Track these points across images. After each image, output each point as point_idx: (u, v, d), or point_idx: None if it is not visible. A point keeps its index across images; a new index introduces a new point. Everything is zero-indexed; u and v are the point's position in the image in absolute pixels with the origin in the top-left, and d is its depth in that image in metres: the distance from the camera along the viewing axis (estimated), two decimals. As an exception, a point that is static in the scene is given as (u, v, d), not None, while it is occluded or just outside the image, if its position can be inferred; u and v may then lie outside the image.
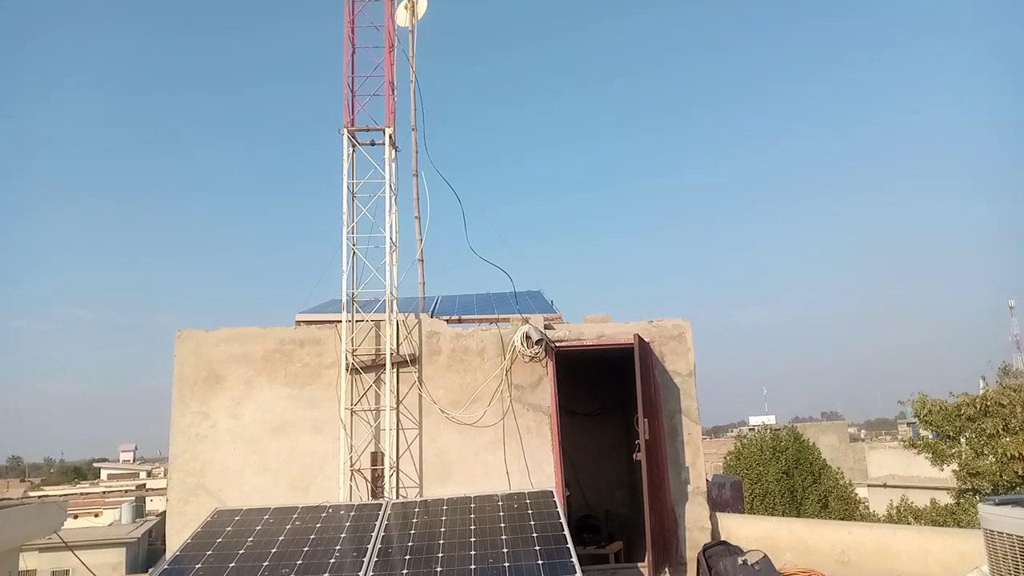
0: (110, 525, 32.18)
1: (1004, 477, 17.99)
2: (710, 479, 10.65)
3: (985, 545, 5.02)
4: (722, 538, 7.91)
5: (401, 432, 7.94)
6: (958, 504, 21.09)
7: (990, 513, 4.93)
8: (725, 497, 11.19)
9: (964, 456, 19.50)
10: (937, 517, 22.08)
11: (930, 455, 20.72)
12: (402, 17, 10.88)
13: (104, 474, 59.31)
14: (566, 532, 5.56)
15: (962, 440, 19.87)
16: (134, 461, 66.29)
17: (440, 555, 5.34)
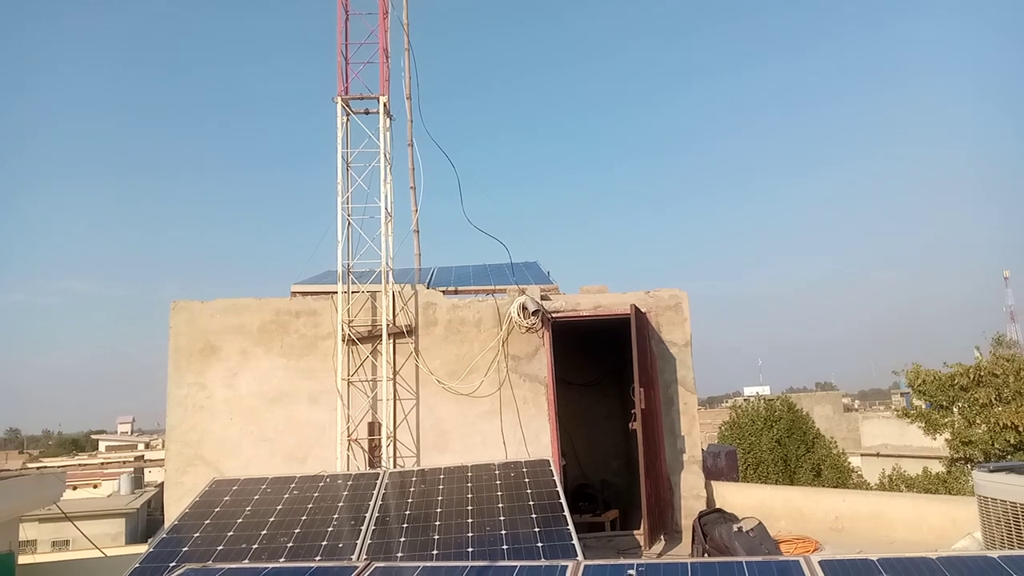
0: (109, 496, 32.37)
1: (996, 446, 18.16)
2: (705, 448, 10.71)
3: (979, 511, 5.07)
4: (717, 506, 7.97)
5: (398, 402, 7.95)
6: (949, 472, 21.31)
7: (985, 480, 4.96)
8: (720, 466, 11.27)
9: (957, 425, 19.66)
10: (929, 485, 22.31)
11: (923, 424, 20.89)
12: (396, -17, 10.70)
13: (102, 446, 59.56)
14: (563, 501, 5.59)
15: (955, 410, 20.03)
16: (132, 433, 66.57)
17: (437, 523, 5.37)
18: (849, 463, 28.65)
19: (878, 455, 32.58)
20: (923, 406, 21.41)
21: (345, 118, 8.30)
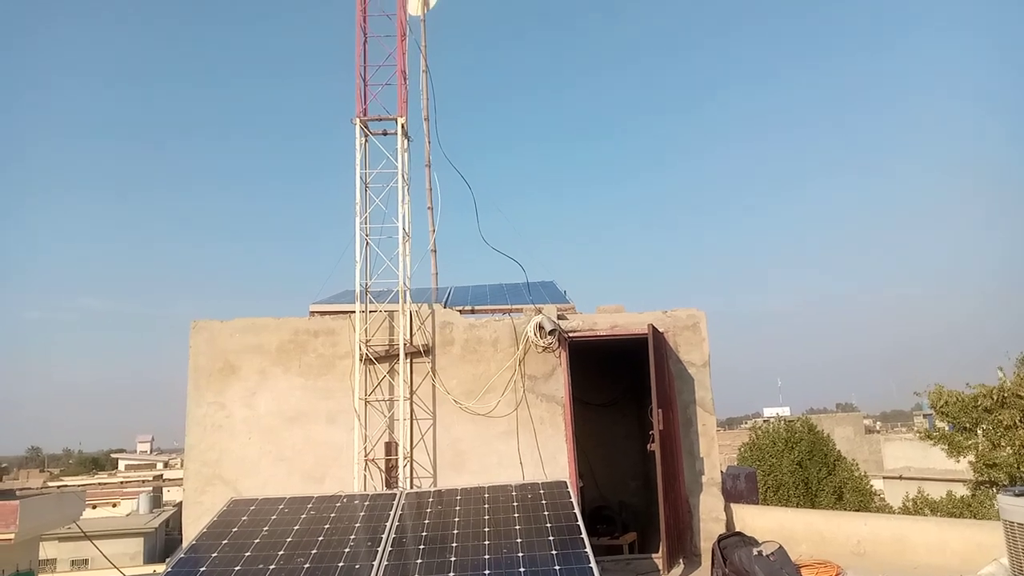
0: (128, 515, 32.54)
1: (1021, 469, 17.86)
2: (724, 470, 10.61)
3: (1004, 536, 4.98)
4: (737, 529, 7.88)
5: (415, 422, 7.95)
6: (974, 496, 20.95)
7: (1010, 504, 4.88)
8: (739, 488, 11.15)
9: (981, 448, 19.36)
10: (953, 509, 21.94)
11: (946, 447, 20.57)
12: (414, 6, 10.84)
13: (122, 465, 60.02)
14: (580, 523, 5.55)
15: (979, 431, 19.72)
16: (151, 452, 67.05)
17: (454, 545, 5.34)
18: (871, 486, 28.26)
19: (900, 478, 32.09)
20: (946, 428, 21.11)
21: (363, 139, 8.38)
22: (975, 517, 18.38)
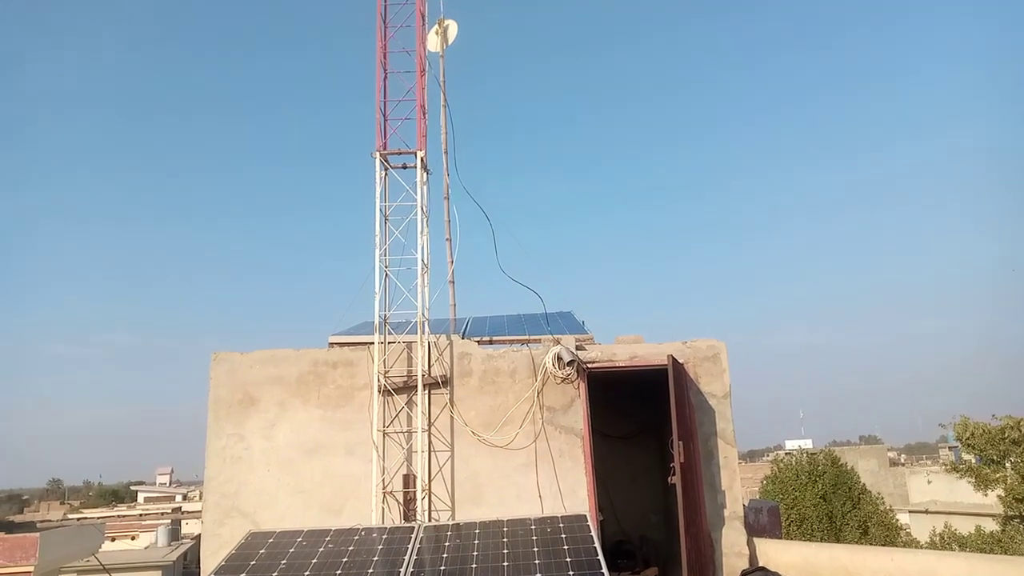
0: (146, 548, 32.42)
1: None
2: (746, 504, 10.44)
3: (1036, 572, 4.85)
4: (760, 564, 7.74)
5: (433, 454, 7.92)
6: (1004, 531, 20.47)
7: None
8: (762, 522, 10.96)
9: (1010, 481, 18.96)
10: (983, 544, 21.42)
11: (973, 480, 20.18)
12: (433, 43, 11.04)
13: (141, 497, 60.05)
14: (600, 557, 5.48)
15: (1007, 464, 19.34)
16: (170, 484, 67.12)
17: (473, 579, 5.29)
18: (897, 520, 27.70)
19: (927, 512, 31.40)
20: (973, 460, 20.73)
21: (383, 172, 8.49)
22: (1005, 553, 17.94)
